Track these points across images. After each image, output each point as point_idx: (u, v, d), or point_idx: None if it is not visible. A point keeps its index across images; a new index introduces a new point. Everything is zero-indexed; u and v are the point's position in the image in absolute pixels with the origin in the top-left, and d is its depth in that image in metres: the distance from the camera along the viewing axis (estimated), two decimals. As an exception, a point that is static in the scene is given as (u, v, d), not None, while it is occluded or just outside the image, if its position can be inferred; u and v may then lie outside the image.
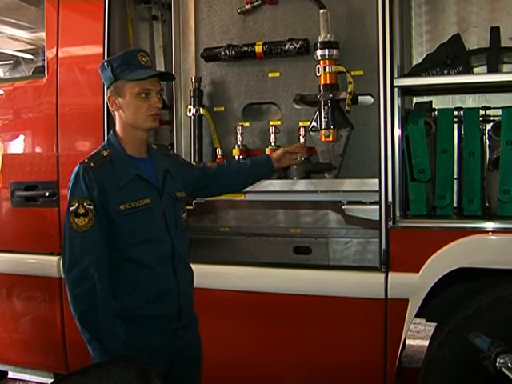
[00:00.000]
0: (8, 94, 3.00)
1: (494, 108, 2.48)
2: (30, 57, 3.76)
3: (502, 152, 2.24)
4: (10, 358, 3.10)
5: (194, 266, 2.07)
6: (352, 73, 2.40)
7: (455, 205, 2.45)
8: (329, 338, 2.39)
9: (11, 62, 3.79)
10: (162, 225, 1.92)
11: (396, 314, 2.22)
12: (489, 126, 2.43)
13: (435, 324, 2.62)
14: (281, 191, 2.48)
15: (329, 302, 2.35)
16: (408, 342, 3.76)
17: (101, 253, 1.81)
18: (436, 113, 2.48)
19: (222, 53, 2.66)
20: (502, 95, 2.67)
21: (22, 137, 2.98)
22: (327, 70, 2.39)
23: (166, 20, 3.00)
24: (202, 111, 2.69)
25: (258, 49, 2.60)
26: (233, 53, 2.64)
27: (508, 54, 2.60)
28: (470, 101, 2.77)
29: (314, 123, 2.45)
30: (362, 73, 2.49)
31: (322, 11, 2.43)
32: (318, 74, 2.42)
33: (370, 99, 2.53)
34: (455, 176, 2.42)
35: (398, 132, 2.27)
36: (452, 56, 2.51)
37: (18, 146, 2.99)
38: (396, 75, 2.27)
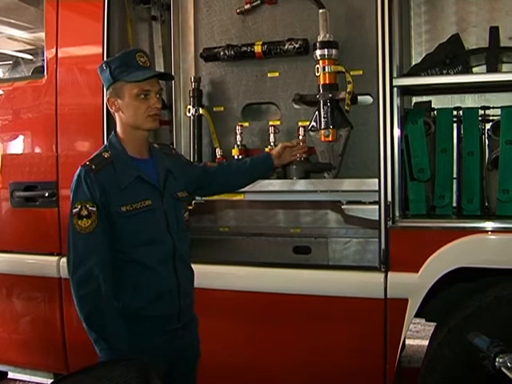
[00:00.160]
0: (7, 95, 3.00)
1: (494, 108, 2.48)
2: (30, 57, 3.77)
3: (502, 151, 2.24)
4: (10, 358, 3.10)
5: (194, 266, 2.08)
6: (351, 72, 2.39)
7: (454, 204, 2.46)
8: (328, 338, 2.39)
9: (11, 62, 3.80)
10: (163, 225, 1.93)
11: (395, 314, 2.22)
12: (488, 126, 2.43)
13: (435, 324, 2.62)
14: (280, 191, 2.48)
15: (328, 301, 2.35)
16: (407, 341, 3.76)
17: (104, 254, 1.82)
18: (435, 112, 2.48)
19: (222, 53, 2.66)
20: (501, 95, 2.67)
21: (21, 137, 2.98)
22: (326, 70, 2.39)
23: (166, 20, 3.00)
24: (201, 111, 2.69)
25: (258, 49, 2.59)
26: (232, 53, 2.64)
27: (507, 54, 2.60)
28: (470, 100, 2.76)
29: (313, 123, 2.45)
30: (361, 72, 2.49)
31: (321, 11, 2.43)
32: (317, 74, 2.42)
33: (369, 99, 2.53)
34: (454, 176, 2.43)
35: (397, 132, 2.27)
36: (451, 56, 2.51)
37: (17, 146, 2.99)
38: (395, 75, 2.27)
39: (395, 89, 2.26)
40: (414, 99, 2.85)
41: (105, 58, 2.61)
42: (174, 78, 2.60)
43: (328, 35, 2.40)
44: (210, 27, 2.78)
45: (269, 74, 2.69)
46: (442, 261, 2.16)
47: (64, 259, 2.74)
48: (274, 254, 2.97)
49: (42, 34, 2.92)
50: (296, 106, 2.65)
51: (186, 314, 1.99)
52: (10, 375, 3.53)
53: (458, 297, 2.37)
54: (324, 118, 2.40)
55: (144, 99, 1.88)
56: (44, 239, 2.87)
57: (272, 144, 2.54)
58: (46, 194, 2.83)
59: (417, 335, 4.11)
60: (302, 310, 2.42)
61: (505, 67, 2.68)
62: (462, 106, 2.53)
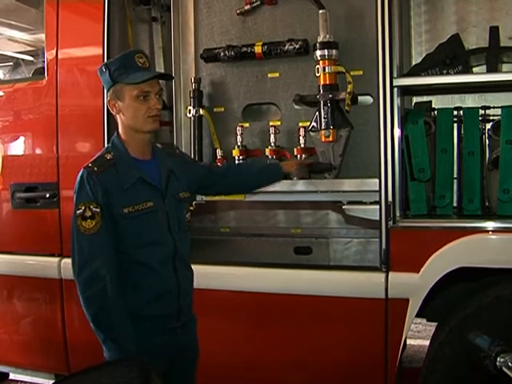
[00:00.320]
0: (8, 96, 3.00)
1: (494, 107, 2.48)
2: (30, 58, 3.77)
3: (502, 151, 2.24)
4: (11, 359, 3.11)
5: (194, 267, 2.07)
6: (351, 73, 2.39)
7: (455, 204, 2.45)
8: (329, 338, 2.39)
9: (11, 63, 3.80)
10: (164, 227, 1.93)
11: (396, 314, 2.22)
12: (488, 126, 2.43)
13: (436, 324, 2.62)
14: (281, 191, 2.49)
15: (329, 302, 2.35)
16: (409, 341, 3.76)
17: (110, 255, 1.82)
18: (435, 112, 2.48)
19: (222, 53, 2.66)
20: (501, 95, 2.66)
21: (22, 138, 2.98)
22: (327, 71, 2.39)
23: (166, 21, 3.00)
24: (201, 112, 2.70)
25: (258, 49, 2.60)
26: (232, 53, 2.64)
27: (507, 54, 2.60)
28: (470, 100, 2.76)
29: (313, 123, 2.46)
30: (361, 73, 2.49)
31: (321, 11, 2.43)
32: (317, 75, 2.42)
33: (369, 99, 2.53)
34: (455, 175, 2.43)
35: (397, 132, 2.27)
36: (451, 56, 2.51)
37: (18, 147, 3.00)
38: (395, 75, 2.27)
39: (395, 89, 2.26)
40: (415, 99, 2.85)
41: (105, 59, 2.61)
42: (173, 78, 2.60)
43: (328, 36, 2.40)
44: (210, 28, 2.79)
45: (269, 75, 2.69)
46: (443, 261, 2.16)
47: (65, 260, 2.76)
48: (275, 254, 2.98)
49: (43, 36, 2.92)
50: (296, 107, 2.65)
51: (186, 313, 1.99)
52: (12, 376, 3.53)
53: (458, 297, 2.37)
54: (324, 118, 2.41)
55: (144, 100, 1.88)
56: (45, 240, 2.87)
57: (272, 145, 2.54)
58: (47, 195, 2.83)
59: (418, 335, 4.12)
60: (303, 311, 2.42)
61: (505, 67, 2.68)
62: (463, 105, 2.53)
